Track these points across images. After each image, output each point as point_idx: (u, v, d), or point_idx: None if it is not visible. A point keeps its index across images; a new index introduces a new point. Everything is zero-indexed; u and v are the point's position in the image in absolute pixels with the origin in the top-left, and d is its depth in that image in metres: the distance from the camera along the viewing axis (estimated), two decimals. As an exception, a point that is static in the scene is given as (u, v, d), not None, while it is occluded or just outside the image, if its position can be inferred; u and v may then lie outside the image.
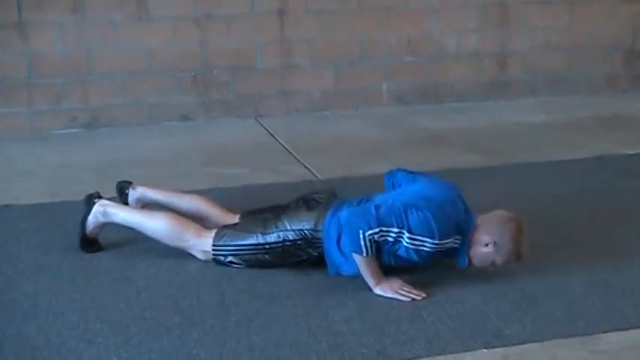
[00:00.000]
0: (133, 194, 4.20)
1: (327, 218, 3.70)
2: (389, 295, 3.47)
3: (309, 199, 3.87)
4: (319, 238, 3.70)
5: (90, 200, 3.99)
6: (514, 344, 3.13)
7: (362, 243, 3.43)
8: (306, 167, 5.41)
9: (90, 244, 3.98)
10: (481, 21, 7.10)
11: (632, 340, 3.17)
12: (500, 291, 3.54)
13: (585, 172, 5.23)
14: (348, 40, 6.84)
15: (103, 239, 4.02)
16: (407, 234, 3.45)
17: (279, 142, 6.01)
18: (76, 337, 3.20)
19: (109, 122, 6.43)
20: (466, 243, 3.57)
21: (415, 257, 3.52)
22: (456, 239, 3.54)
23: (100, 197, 4.01)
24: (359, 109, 6.90)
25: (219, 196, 4.40)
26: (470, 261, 3.60)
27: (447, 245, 3.51)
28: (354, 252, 3.48)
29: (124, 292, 3.59)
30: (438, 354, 3.07)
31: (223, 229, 3.84)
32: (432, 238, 3.46)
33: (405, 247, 3.48)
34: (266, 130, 6.36)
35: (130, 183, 4.25)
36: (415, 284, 3.53)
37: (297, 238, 3.72)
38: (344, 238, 3.53)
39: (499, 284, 3.59)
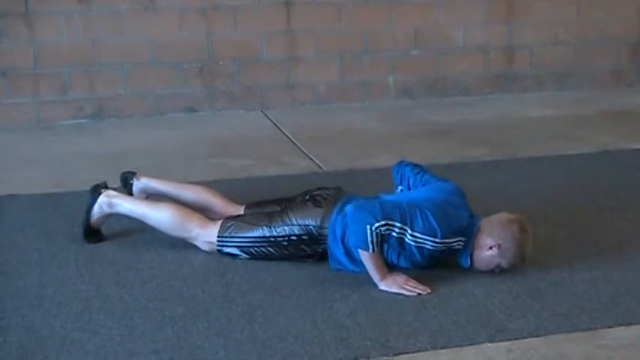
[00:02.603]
0: (137, 185, 4.20)
1: (333, 215, 3.70)
2: (394, 290, 3.47)
3: (315, 195, 3.86)
4: (324, 235, 3.70)
5: (96, 190, 3.99)
6: (518, 338, 3.12)
7: (369, 238, 3.42)
8: (311, 159, 5.40)
9: (93, 234, 3.99)
10: (488, 14, 7.08)
11: (636, 335, 3.16)
12: (504, 285, 3.53)
13: (591, 167, 5.22)
14: (353, 33, 6.83)
15: (108, 230, 4.03)
16: (409, 231, 3.45)
17: (285, 134, 6.01)
18: (81, 327, 3.21)
19: (114, 113, 6.43)
20: (469, 245, 3.58)
21: (418, 255, 3.54)
22: (459, 241, 3.55)
23: (106, 188, 4.02)
24: (364, 101, 6.89)
25: (224, 187, 4.40)
26: (473, 263, 3.61)
27: (449, 245, 3.53)
28: (360, 247, 3.48)
29: (129, 282, 3.59)
30: (442, 347, 3.07)
31: (229, 221, 3.84)
32: (433, 237, 3.47)
33: (408, 244, 3.49)
34: (271, 121, 6.36)
35: (133, 174, 4.25)
36: (420, 279, 3.53)
37: (302, 233, 3.72)
38: (350, 232, 3.53)
39: (503, 279, 3.59)
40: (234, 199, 4.11)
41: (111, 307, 3.36)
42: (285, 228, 3.74)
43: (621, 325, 3.23)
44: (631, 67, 7.53)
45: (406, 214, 3.47)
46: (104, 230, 4.02)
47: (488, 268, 3.61)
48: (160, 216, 3.87)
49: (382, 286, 3.50)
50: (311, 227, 3.72)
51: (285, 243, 3.74)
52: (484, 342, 3.10)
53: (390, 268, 3.57)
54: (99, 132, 6.12)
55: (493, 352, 3.05)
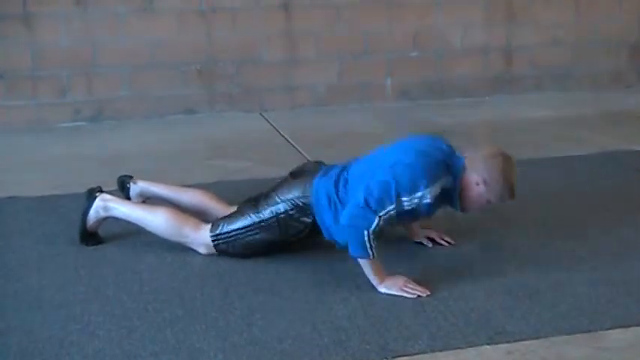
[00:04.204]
0: (135, 189, 4.20)
1: (315, 182, 3.72)
2: (394, 292, 3.47)
3: (294, 170, 3.91)
4: (310, 204, 3.71)
5: (91, 195, 3.99)
6: (517, 340, 3.12)
7: (367, 245, 3.42)
8: (308, 159, 5.39)
9: (90, 237, 3.98)
10: (487, 16, 7.08)
11: (636, 337, 3.16)
12: (503, 287, 3.53)
13: (590, 168, 5.22)
14: (353, 34, 6.83)
15: (107, 232, 4.03)
16: (404, 198, 3.46)
17: (284, 136, 6.01)
18: (80, 329, 3.21)
19: (113, 115, 6.42)
20: (457, 184, 3.57)
21: (421, 211, 3.53)
22: (447, 179, 3.54)
23: (101, 192, 4.01)
24: (364, 103, 6.89)
25: (222, 189, 4.40)
26: (464, 204, 3.61)
27: (441, 185, 3.51)
28: (360, 257, 3.48)
29: (128, 284, 3.59)
30: (441, 350, 3.07)
31: (218, 220, 3.85)
32: (425, 187, 3.47)
33: (409, 209, 3.49)
34: (270, 123, 6.36)
35: (130, 177, 4.25)
36: (419, 281, 3.52)
37: (288, 208, 3.73)
38: (348, 243, 3.50)
39: (502, 280, 3.59)
40: (233, 202, 4.10)
41: (110, 310, 3.36)
42: (272, 209, 3.75)
43: (621, 327, 3.23)
44: (630, 68, 7.53)
45: (391, 188, 3.46)
46: (103, 233, 4.02)
47: (478, 205, 3.61)
48: (155, 221, 3.87)
49: (382, 289, 3.49)
50: (295, 199, 3.73)
51: (275, 223, 3.74)
52: (483, 344, 3.10)
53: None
54: (98, 134, 6.11)
55: (492, 354, 3.05)
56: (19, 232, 4.18)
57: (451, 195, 3.59)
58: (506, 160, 3.59)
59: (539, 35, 7.23)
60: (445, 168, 3.55)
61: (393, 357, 3.03)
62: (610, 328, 3.21)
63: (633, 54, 7.50)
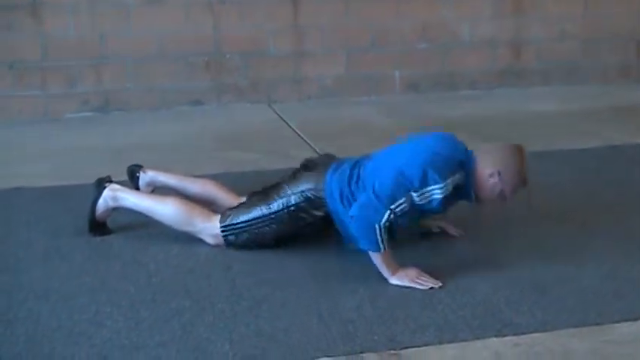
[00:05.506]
0: (144, 178, 4.21)
1: (328, 176, 3.71)
2: (406, 284, 3.47)
3: (305, 162, 3.90)
4: (322, 198, 3.71)
5: (100, 184, 3.99)
6: (524, 333, 3.13)
7: (378, 238, 3.42)
8: (318, 153, 5.40)
9: (98, 227, 3.99)
10: (495, 9, 7.06)
11: (643, 330, 3.17)
12: (510, 280, 3.53)
13: (598, 162, 5.21)
14: (361, 27, 6.82)
15: (113, 223, 4.03)
16: (414, 194, 3.46)
17: (292, 128, 6.01)
18: (87, 320, 3.21)
19: (121, 106, 6.43)
20: (470, 179, 3.58)
21: (433, 206, 3.52)
22: (460, 176, 3.55)
23: (110, 181, 4.02)
24: (371, 95, 6.88)
25: (230, 180, 4.40)
26: (478, 197, 3.62)
27: (455, 182, 3.51)
28: (370, 250, 3.47)
29: (135, 275, 3.60)
30: (449, 342, 3.07)
31: (227, 211, 3.85)
32: (437, 183, 3.46)
33: (419, 204, 3.48)
34: (278, 115, 6.36)
35: (140, 167, 4.26)
36: (430, 272, 3.52)
37: (299, 201, 3.73)
38: (358, 236, 3.51)
39: (510, 273, 3.59)
40: (241, 193, 4.11)
41: (117, 300, 3.37)
42: (282, 201, 3.75)
43: (627, 320, 3.22)
44: (638, 62, 7.50)
45: (403, 183, 3.47)
46: (110, 224, 4.03)
47: (491, 196, 3.62)
48: (164, 210, 3.87)
49: (394, 281, 3.49)
50: (306, 192, 3.73)
51: (285, 215, 3.74)
52: (490, 336, 3.10)
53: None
54: (105, 125, 6.12)
55: (499, 346, 3.05)
56: (26, 223, 4.19)
57: (465, 191, 3.60)
58: (518, 150, 3.64)
59: (547, 29, 7.21)
60: (458, 165, 3.55)
61: (401, 348, 3.03)
62: (617, 322, 3.21)
63: (642, 48, 7.48)
